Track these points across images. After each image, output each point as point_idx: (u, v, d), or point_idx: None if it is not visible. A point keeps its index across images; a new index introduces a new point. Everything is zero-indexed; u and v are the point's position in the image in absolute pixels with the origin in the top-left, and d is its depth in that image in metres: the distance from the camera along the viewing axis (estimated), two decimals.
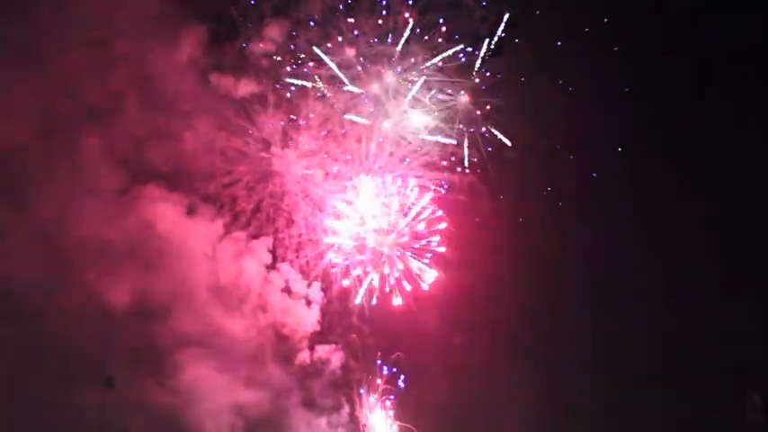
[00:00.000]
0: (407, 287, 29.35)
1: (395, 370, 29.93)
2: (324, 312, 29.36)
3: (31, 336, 25.81)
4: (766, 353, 28.13)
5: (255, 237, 28.93)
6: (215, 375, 27.76)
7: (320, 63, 29.07)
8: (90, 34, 26.96)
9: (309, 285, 29.27)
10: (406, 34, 28.66)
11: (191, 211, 28.43)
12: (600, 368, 29.71)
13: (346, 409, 29.93)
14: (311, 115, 29.26)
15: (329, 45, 28.90)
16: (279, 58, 29.05)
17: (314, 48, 28.90)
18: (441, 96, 29.20)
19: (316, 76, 29.01)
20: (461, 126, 29.36)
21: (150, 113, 27.71)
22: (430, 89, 29.17)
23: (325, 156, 29.25)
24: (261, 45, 29.05)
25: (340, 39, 28.83)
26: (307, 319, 29.00)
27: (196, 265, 28.02)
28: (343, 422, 29.75)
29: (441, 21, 28.54)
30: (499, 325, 29.47)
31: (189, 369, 27.51)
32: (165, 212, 27.92)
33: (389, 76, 29.16)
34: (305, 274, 29.25)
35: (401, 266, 29.43)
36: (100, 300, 26.81)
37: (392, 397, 30.17)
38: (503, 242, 29.28)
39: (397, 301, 29.24)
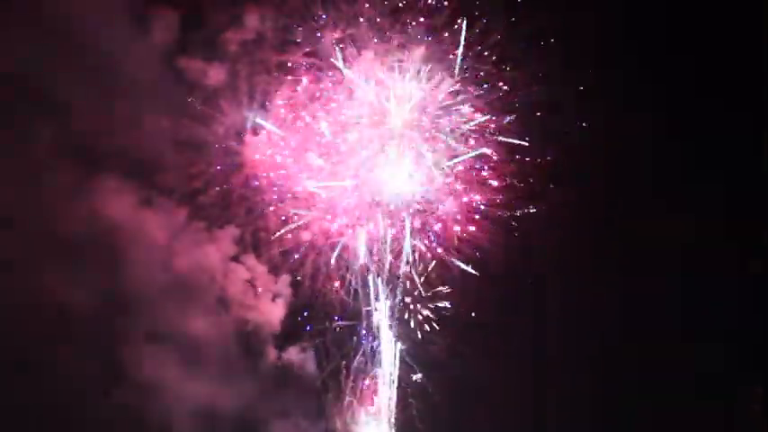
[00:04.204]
0: None
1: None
2: (292, 309, 27.85)
3: None
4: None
5: (220, 228, 27.47)
6: (173, 375, 26.29)
7: (296, 48, 27.91)
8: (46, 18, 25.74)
9: (276, 282, 27.76)
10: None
11: (151, 204, 27.02)
12: None
13: (319, 416, 28.27)
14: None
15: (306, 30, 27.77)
16: (253, 44, 27.72)
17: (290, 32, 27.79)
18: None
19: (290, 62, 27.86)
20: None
21: (110, 102, 26.37)
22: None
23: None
24: (234, 30, 27.72)
25: (317, 24, 27.74)
26: (273, 315, 27.45)
27: (155, 259, 26.62)
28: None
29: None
30: None
31: (145, 368, 26.15)
32: (124, 205, 26.57)
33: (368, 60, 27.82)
34: (272, 266, 27.82)
35: None
36: (52, 296, 25.50)
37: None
38: None
39: None
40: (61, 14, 25.75)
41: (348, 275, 27.97)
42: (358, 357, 28.16)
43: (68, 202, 26.18)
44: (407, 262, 27.97)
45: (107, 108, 26.37)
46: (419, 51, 27.58)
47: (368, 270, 28.00)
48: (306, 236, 27.78)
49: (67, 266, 25.89)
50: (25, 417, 25.43)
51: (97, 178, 26.40)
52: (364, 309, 28.24)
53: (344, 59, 27.75)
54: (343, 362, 28.16)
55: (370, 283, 28.26)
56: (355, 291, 28.03)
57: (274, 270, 27.77)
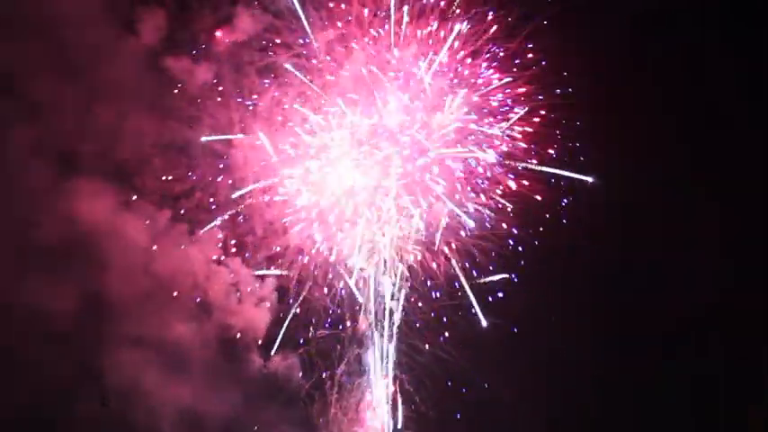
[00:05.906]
0: None
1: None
2: (278, 315, 27.11)
3: None
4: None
5: (202, 230, 26.96)
6: (154, 382, 25.61)
7: (286, 49, 27.38)
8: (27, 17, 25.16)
9: (261, 286, 27.14)
10: None
11: (132, 206, 26.47)
12: None
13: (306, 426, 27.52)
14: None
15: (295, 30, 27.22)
16: (242, 45, 27.16)
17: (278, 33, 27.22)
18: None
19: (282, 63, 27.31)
20: None
21: (91, 103, 25.80)
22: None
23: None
24: (222, 30, 27.21)
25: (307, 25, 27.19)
26: (257, 321, 26.72)
27: (136, 263, 25.96)
28: None
29: None
30: None
31: (125, 374, 25.58)
32: (104, 207, 25.92)
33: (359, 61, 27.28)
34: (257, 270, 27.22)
35: None
36: (31, 300, 24.82)
37: None
38: None
39: None
40: (42, 13, 25.20)
41: (335, 282, 27.47)
42: (342, 366, 27.57)
43: (47, 204, 25.54)
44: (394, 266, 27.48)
45: (87, 109, 25.83)
46: (410, 51, 27.14)
47: (355, 276, 27.46)
48: (292, 239, 27.21)
49: (46, 270, 25.27)
50: (7, 422, 24.78)
51: (76, 180, 25.78)
52: (349, 316, 27.70)
53: (334, 60, 27.29)
54: (328, 371, 27.58)
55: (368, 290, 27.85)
56: (341, 297, 27.50)
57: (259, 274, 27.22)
